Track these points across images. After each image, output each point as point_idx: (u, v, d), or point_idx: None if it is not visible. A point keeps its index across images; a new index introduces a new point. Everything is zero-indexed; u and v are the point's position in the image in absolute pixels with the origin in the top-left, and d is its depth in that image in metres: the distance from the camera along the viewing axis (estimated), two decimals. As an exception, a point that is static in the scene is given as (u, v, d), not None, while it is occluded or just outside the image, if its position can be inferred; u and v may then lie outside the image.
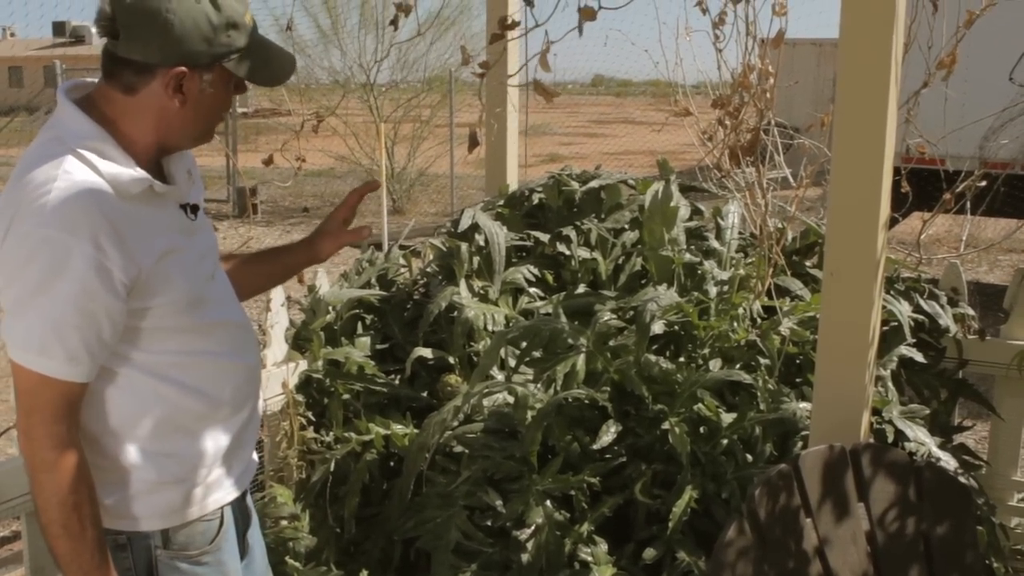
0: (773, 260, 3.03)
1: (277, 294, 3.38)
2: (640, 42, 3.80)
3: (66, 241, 1.70)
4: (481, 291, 3.16)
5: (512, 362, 2.91)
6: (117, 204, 1.77)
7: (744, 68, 3.01)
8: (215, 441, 1.96)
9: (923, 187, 3.35)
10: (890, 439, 2.70)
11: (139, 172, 1.82)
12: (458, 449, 2.74)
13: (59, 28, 52.66)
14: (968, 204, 3.11)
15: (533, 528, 2.55)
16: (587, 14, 2.61)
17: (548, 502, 2.58)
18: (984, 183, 3.15)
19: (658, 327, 2.89)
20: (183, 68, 1.81)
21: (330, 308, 3.18)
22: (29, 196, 1.71)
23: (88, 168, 1.78)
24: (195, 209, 1.97)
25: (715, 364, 2.88)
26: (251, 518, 2.15)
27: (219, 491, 1.98)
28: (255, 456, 2.13)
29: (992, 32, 4.42)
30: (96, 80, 1.94)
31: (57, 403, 1.76)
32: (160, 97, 1.82)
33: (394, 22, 3.08)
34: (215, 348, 1.95)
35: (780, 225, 3.38)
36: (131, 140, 1.85)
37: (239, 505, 2.07)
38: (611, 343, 2.85)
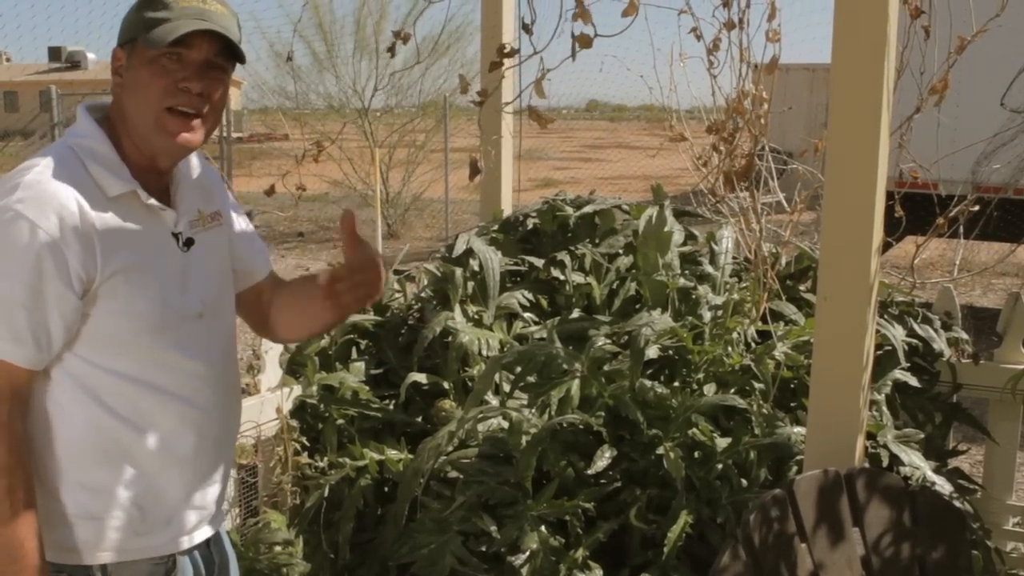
0: (767, 285, 3.04)
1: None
2: (635, 68, 3.81)
3: (31, 221, 1.69)
4: (475, 316, 3.16)
5: (507, 387, 2.91)
6: (96, 202, 1.77)
7: (738, 94, 3.02)
8: (148, 483, 1.85)
9: (916, 212, 3.36)
10: (885, 463, 2.70)
11: (125, 176, 1.82)
12: (453, 474, 2.73)
13: (55, 53, 52.81)
14: (961, 228, 3.12)
15: (528, 553, 2.54)
16: (583, 41, 2.62)
17: (543, 527, 2.57)
18: (977, 207, 3.16)
19: (652, 352, 2.89)
20: (117, 49, 1.85)
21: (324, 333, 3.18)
22: (11, 176, 1.73)
23: (76, 161, 1.79)
24: (189, 242, 1.93)
25: (710, 389, 2.88)
26: (227, 561, 2.06)
27: (161, 536, 1.89)
28: (224, 505, 2.05)
29: (984, 58, 4.45)
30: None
31: None
32: (127, 76, 1.84)
33: (391, 50, 3.10)
34: (163, 385, 1.86)
35: (774, 250, 3.39)
36: (127, 151, 1.86)
37: (205, 552, 1.99)
38: (606, 368, 2.85)
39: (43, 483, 1.77)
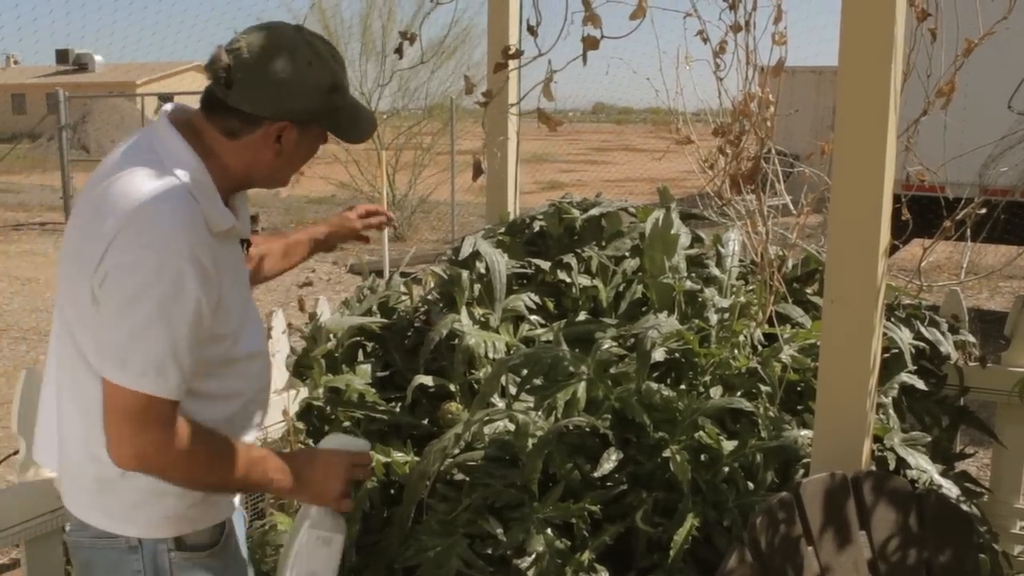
0: (774, 287, 3.04)
1: (278, 321, 3.38)
2: (641, 70, 3.81)
3: (181, 267, 1.82)
4: (482, 319, 3.16)
5: (513, 390, 2.91)
6: (207, 237, 1.90)
7: (745, 96, 3.02)
8: None
9: (924, 214, 3.35)
10: (891, 467, 2.69)
11: (227, 212, 1.98)
12: (459, 477, 2.73)
13: (62, 56, 52.97)
14: (968, 231, 3.11)
15: (534, 556, 2.54)
16: (590, 43, 2.63)
17: (549, 530, 2.57)
18: (984, 210, 3.15)
19: (659, 355, 2.89)
20: (287, 123, 1.98)
21: (331, 336, 3.18)
22: (140, 219, 1.82)
23: (191, 199, 1.89)
24: (248, 245, 2.12)
25: (716, 392, 2.87)
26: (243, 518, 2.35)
27: (225, 505, 2.12)
28: None
29: (993, 60, 4.44)
30: (194, 107, 2.07)
31: (168, 415, 1.88)
32: (258, 146, 1.98)
33: (399, 51, 3.10)
34: (243, 388, 2.04)
35: (781, 253, 3.39)
36: (221, 177, 1.98)
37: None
38: (612, 371, 2.85)
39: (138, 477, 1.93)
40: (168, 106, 2.04)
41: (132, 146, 1.99)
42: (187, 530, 2.02)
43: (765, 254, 3.09)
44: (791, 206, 3.33)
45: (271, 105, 1.95)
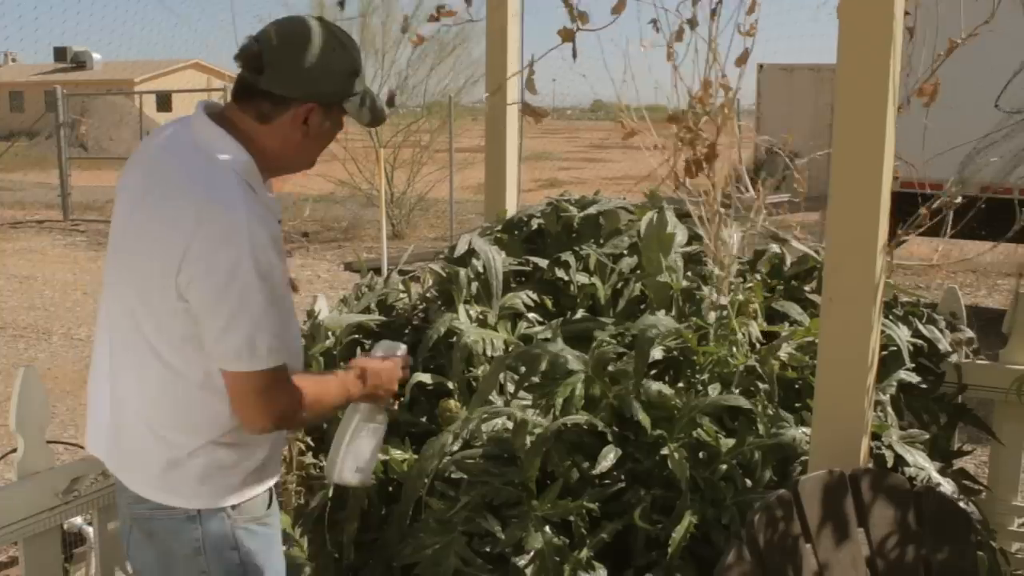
0: (728, 268, 3.04)
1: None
2: (635, 65, 3.77)
3: (271, 259, 2.04)
4: (480, 316, 3.16)
5: (511, 387, 2.91)
6: (267, 216, 2.10)
7: (703, 84, 3.03)
8: (277, 438, 2.30)
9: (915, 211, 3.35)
10: (889, 464, 2.69)
11: (276, 203, 2.20)
12: (457, 475, 2.73)
13: (60, 53, 52.90)
14: (949, 223, 3.12)
15: (532, 554, 2.54)
16: (566, 35, 2.68)
17: (547, 528, 2.57)
18: (960, 200, 3.15)
19: (657, 353, 2.89)
20: (314, 104, 2.14)
21: (329, 333, 3.18)
22: (224, 217, 1.99)
23: (248, 187, 2.10)
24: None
25: (714, 389, 2.87)
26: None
27: (274, 473, 2.32)
28: None
29: (986, 58, 4.44)
30: (222, 102, 2.27)
31: (287, 375, 2.12)
32: (288, 128, 2.14)
33: (341, 3, 3.20)
34: (287, 359, 2.16)
35: (779, 250, 3.39)
36: (259, 161, 2.15)
37: None
38: (610, 368, 2.85)
39: (224, 448, 2.15)
40: (203, 103, 2.20)
41: (173, 140, 2.15)
42: (247, 497, 2.21)
43: (718, 235, 3.09)
44: (789, 204, 3.33)
45: (300, 87, 2.12)
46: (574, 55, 2.69)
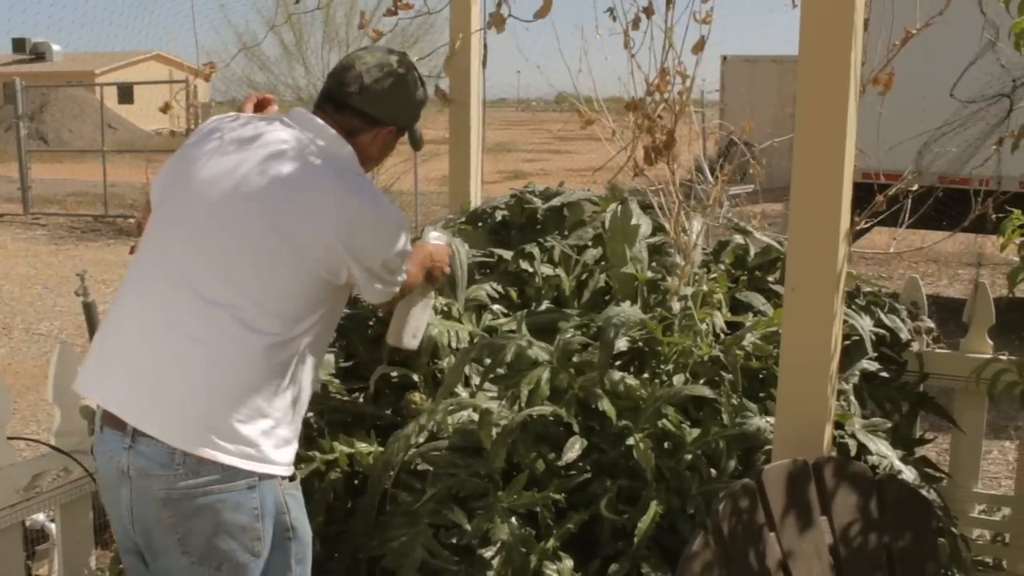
0: (691, 259, 3.05)
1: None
2: (591, 58, 3.77)
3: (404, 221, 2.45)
4: (445, 308, 3.15)
5: (476, 379, 2.91)
6: None
7: (660, 72, 3.05)
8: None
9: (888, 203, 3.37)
10: (852, 452, 2.71)
11: None
12: (423, 467, 2.73)
13: (19, 44, 52.23)
14: (906, 213, 3.15)
15: (499, 545, 2.54)
16: (497, 20, 2.79)
17: (513, 519, 2.58)
18: (916, 187, 3.18)
19: (622, 343, 2.90)
20: (393, 128, 2.49)
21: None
22: (377, 203, 2.37)
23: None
24: None
25: (679, 380, 2.88)
26: None
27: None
28: None
29: (949, 50, 4.48)
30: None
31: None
32: (366, 143, 2.45)
33: (361, 25, 3.24)
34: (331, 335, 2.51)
35: (742, 241, 3.40)
36: None
37: None
38: (575, 359, 2.86)
39: (290, 415, 2.32)
40: (305, 113, 2.44)
41: (318, 155, 2.34)
42: (293, 464, 2.36)
43: (679, 224, 3.11)
44: (750, 194, 3.35)
45: (390, 112, 2.46)
46: (498, 28, 2.83)
